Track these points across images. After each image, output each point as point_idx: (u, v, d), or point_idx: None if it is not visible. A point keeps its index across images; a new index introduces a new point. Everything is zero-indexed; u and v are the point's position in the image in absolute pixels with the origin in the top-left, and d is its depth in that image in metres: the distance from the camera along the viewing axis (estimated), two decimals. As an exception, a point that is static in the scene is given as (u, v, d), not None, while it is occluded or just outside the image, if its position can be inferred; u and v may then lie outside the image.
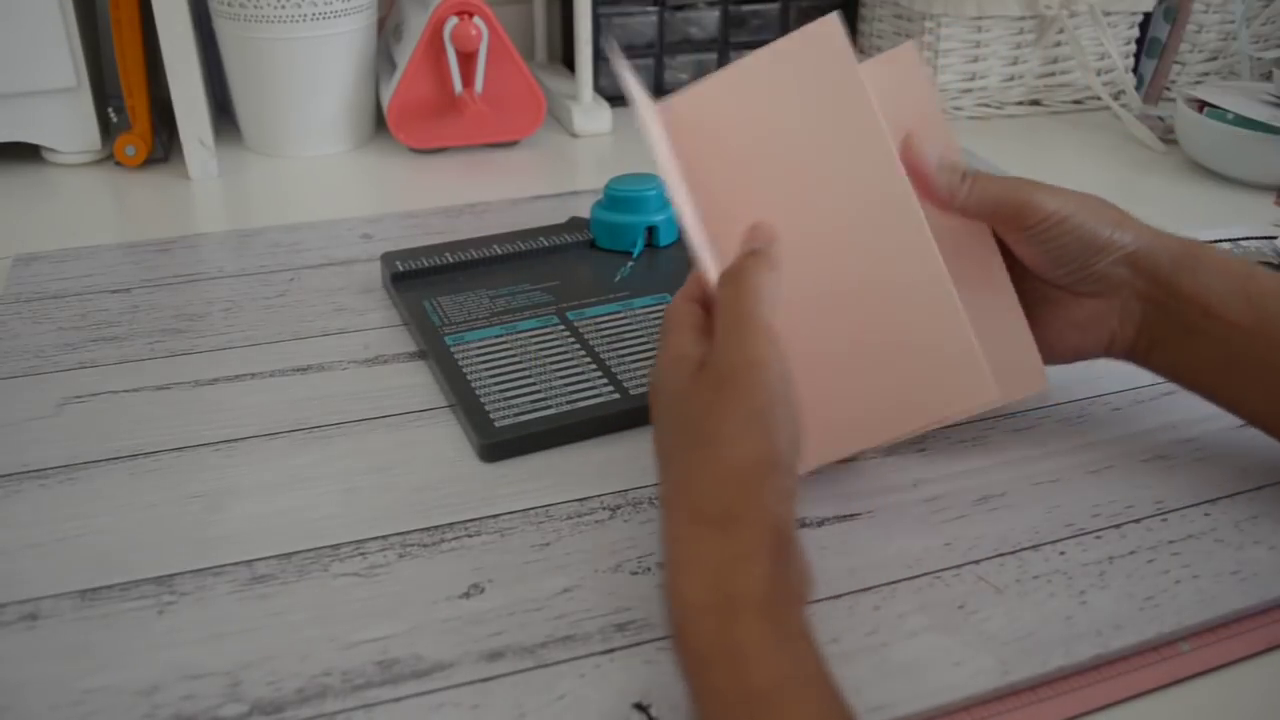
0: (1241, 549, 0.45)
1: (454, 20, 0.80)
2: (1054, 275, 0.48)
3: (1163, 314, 0.48)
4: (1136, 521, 0.46)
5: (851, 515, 0.46)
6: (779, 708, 0.31)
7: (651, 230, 0.65)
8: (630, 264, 0.64)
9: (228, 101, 0.89)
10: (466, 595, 0.42)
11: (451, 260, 0.64)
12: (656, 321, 0.58)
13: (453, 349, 0.56)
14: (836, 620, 0.41)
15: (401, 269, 0.62)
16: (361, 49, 0.85)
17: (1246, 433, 0.52)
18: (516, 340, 0.57)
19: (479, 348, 0.56)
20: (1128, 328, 0.49)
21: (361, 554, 0.44)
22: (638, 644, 0.40)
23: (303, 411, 0.53)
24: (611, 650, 0.39)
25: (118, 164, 0.82)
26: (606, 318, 0.59)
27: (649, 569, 0.43)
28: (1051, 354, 0.50)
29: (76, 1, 0.78)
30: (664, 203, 0.66)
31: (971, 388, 0.44)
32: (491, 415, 0.51)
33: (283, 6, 0.79)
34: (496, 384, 0.53)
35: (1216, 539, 0.45)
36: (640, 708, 0.37)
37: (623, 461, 0.50)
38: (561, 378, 0.54)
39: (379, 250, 0.68)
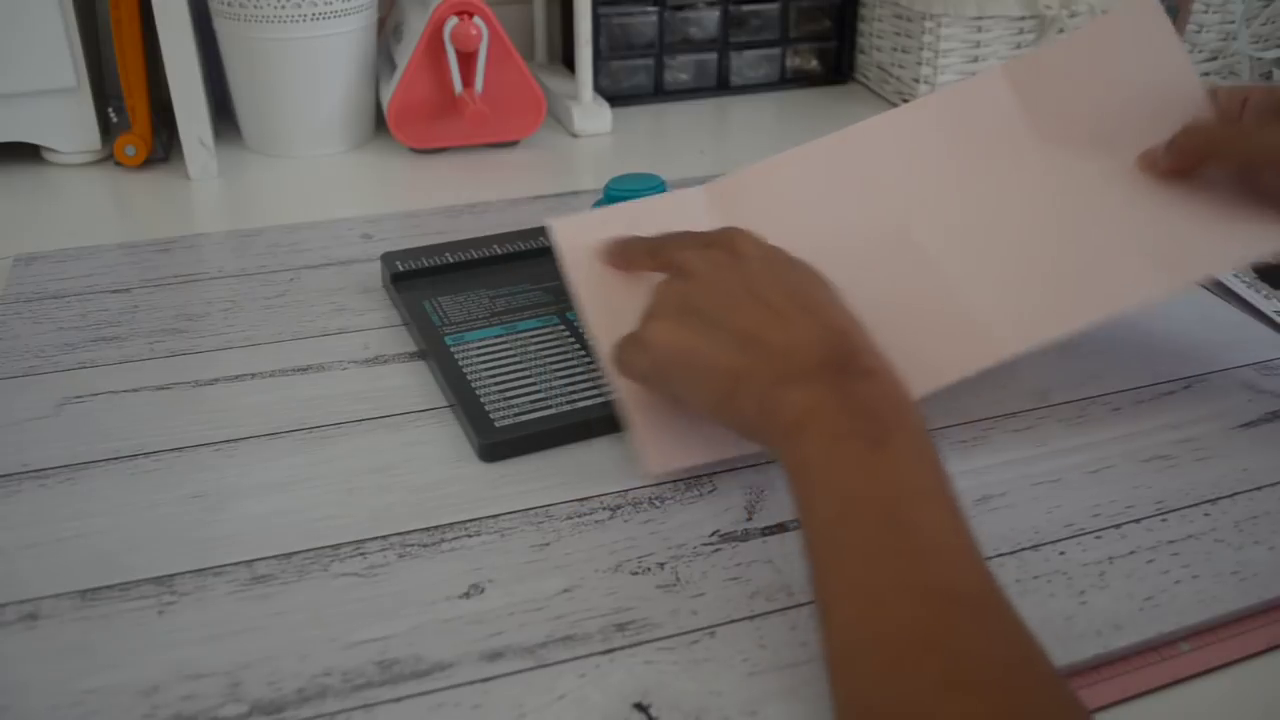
0: (1241, 549, 0.45)
1: (454, 20, 0.80)
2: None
3: None
4: (1136, 521, 0.46)
5: (851, 515, 0.46)
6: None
7: (651, 230, 0.65)
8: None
9: (228, 101, 0.89)
10: (466, 595, 0.42)
11: (451, 260, 0.63)
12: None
13: (453, 349, 0.56)
14: (836, 620, 0.41)
15: (401, 269, 0.62)
16: (361, 49, 0.85)
17: (1246, 433, 0.52)
18: (516, 340, 0.57)
19: (479, 348, 0.56)
20: None
21: (361, 554, 0.44)
22: (638, 644, 0.40)
23: (303, 411, 0.53)
24: (611, 650, 0.39)
25: (118, 164, 0.82)
26: (606, 318, 0.59)
27: (649, 569, 0.43)
28: None
29: (76, 1, 0.78)
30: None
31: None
32: (491, 415, 0.51)
33: (283, 6, 0.79)
34: (496, 384, 0.53)
35: (1216, 539, 0.45)
36: (640, 708, 0.37)
37: (623, 461, 0.50)
38: (561, 378, 0.54)
39: (379, 250, 0.68)
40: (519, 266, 0.64)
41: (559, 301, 0.60)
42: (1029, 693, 0.32)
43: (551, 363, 0.55)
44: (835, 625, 0.35)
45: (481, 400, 0.52)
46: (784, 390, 0.40)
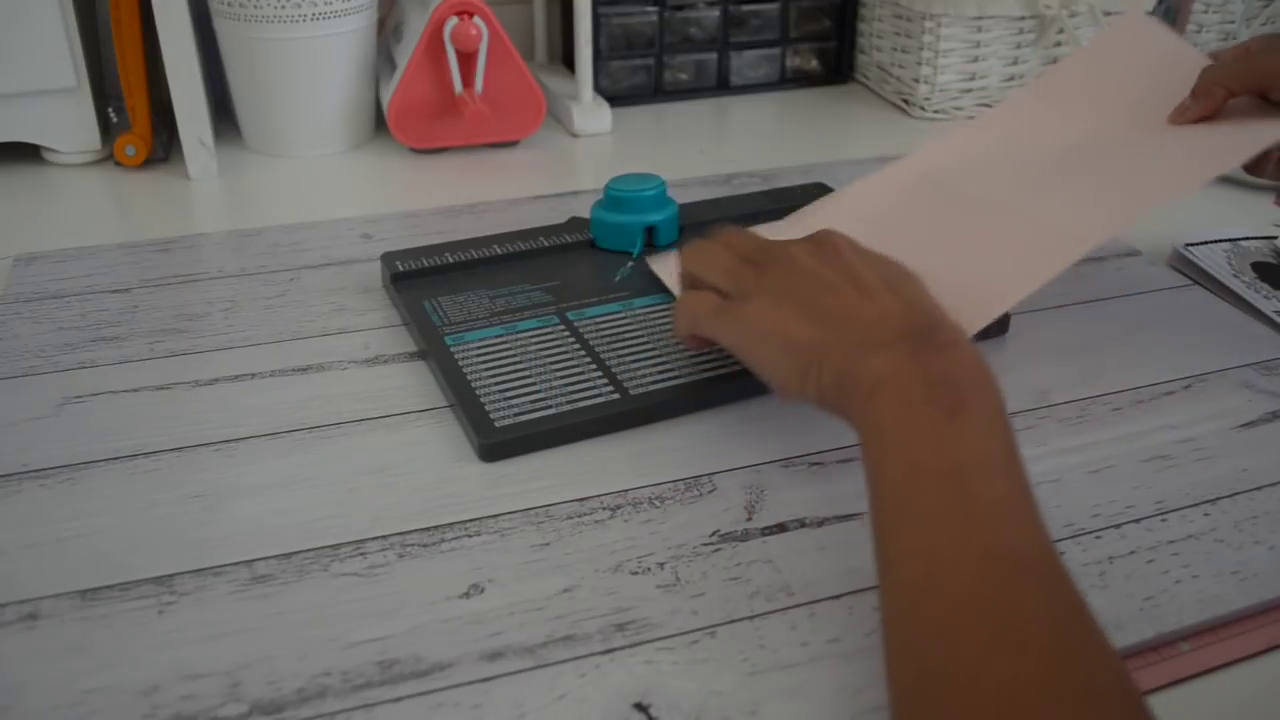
0: (1241, 549, 0.45)
1: (454, 20, 0.80)
2: None
3: None
4: (1136, 521, 0.46)
5: (851, 515, 0.46)
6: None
7: (651, 230, 0.65)
8: (630, 264, 0.64)
9: (228, 101, 0.89)
10: (466, 595, 0.42)
11: (451, 260, 0.64)
12: (656, 321, 0.58)
13: (453, 349, 0.56)
14: (836, 620, 0.41)
15: (401, 269, 0.62)
16: (361, 49, 0.85)
17: (1246, 433, 0.52)
18: (516, 340, 0.57)
19: (479, 348, 0.56)
20: None
21: (361, 554, 0.44)
22: (638, 644, 0.40)
23: (303, 411, 0.53)
24: (611, 650, 0.39)
25: (118, 164, 0.82)
26: (606, 318, 0.59)
27: (649, 569, 0.43)
28: None
29: (76, 1, 0.78)
30: (664, 202, 0.66)
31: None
32: (491, 415, 0.51)
33: (283, 6, 0.79)
34: (496, 384, 0.53)
35: (1216, 539, 0.45)
36: (640, 708, 0.37)
37: (623, 461, 0.50)
38: (561, 378, 0.54)
39: (379, 250, 0.68)
40: (519, 266, 0.64)
41: (559, 301, 0.60)
42: (1077, 654, 0.32)
43: (551, 363, 0.55)
44: (893, 583, 0.36)
45: (481, 400, 0.52)
46: (864, 357, 0.42)
